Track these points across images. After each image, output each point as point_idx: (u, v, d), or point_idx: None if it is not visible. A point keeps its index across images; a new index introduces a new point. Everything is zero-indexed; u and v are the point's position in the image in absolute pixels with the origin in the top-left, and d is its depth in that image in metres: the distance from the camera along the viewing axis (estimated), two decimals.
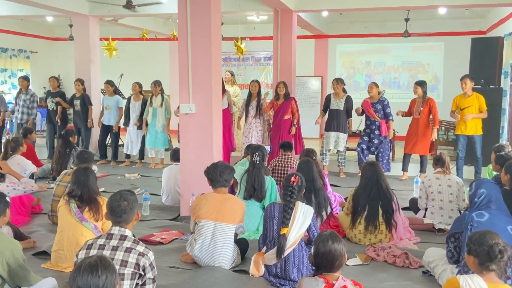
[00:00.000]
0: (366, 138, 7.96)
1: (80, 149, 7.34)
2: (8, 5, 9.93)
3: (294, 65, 9.31)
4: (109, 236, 2.91)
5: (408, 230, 4.86)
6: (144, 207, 5.76)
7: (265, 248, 3.95)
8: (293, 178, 3.94)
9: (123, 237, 2.89)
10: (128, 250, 2.82)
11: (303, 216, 3.86)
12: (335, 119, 8.11)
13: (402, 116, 7.89)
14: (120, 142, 9.78)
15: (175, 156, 6.37)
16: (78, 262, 2.16)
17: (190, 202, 5.40)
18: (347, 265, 4.25)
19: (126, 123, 9.23)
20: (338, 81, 8.14)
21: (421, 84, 7.69)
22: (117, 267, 2.75)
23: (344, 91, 8.24)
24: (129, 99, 9.32)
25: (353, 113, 8.19)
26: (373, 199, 4.70)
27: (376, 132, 7.84)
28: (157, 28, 12.72)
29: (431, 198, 5.27)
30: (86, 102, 9.33)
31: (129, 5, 7.72)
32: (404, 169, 7.95)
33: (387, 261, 4.21)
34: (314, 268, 2.72)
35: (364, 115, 8.11)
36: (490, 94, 7.90)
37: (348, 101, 8.14)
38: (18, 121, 9.25)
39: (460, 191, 5.21)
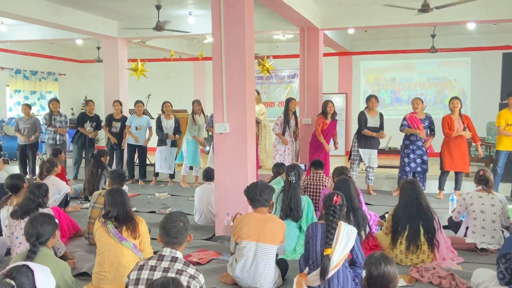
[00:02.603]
0: (412, 156, 7.71)
1: (115, 168, 7.39)
2: (39, 30, 10.18)
3: (321, 83, 9.30)
4: (160, 258, 2.90)
5: (450, 250, 4.73)
6: None
7: (307, 269, 3.88)
8: (335, 197, 3.87)
9: (174, 259, 2.88)
10: (179, 272, 2.80)
11: (346, 236, 3.78)
12: (371, 136, 7.98)
13: (448, 136, 7.55)
14: (147, 162, 9.86)
15: (207, 175, 6.38)
16: (149, 283, 2.15)
17: (226, 222, 5.38)
18: None
19: (159, 143, 9.26)
20: (376, 99, 8.05)
21: (460, 99, 7.56)
22: None
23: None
24: (159, 119, 9.39)
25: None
26: (413, 218, 4.60)
27: (423, 148, 7.68)
28: (182, 49, 12.90)
29: (472, 217, 5.13)
30: (125, 125, 9.42)
31: (159, 28, 7.81)
32: (441, 187, 7.75)
33: (432, 282, 4.10)
34: None
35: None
36: None
37: (382, 117, 8.07)
38: (55, 142, 9.32)
39: (504, 209, 5.07)
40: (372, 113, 8.06)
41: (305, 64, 9.15)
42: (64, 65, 14.43)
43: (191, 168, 9.23)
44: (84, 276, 4.28)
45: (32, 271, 2.18)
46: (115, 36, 10.11)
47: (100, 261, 3.89)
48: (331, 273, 3.68)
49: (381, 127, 8.00)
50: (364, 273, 2.62)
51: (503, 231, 5.11)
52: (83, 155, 9.57)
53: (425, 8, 6.62)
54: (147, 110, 11.07)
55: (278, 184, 5.65)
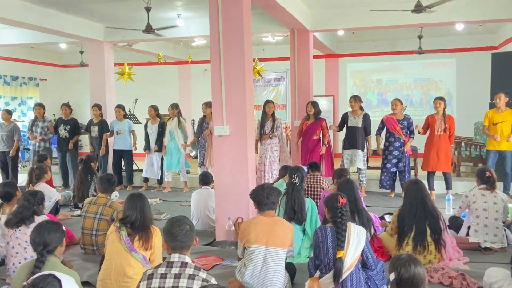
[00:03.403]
0: (390, 157, 7.83)
1: (104, 173, 7.20)
2: (21, 34, 9.92)
3: (311, 85, 9.27)
4: (170, 264, 2.78)
5: (456, 249, 4.70)
6: None
7: (318, 273, 3.79)
8: (341, 199, 3.80)
9: (184, 264, 2.77)
10: (192, 277, 2.70)
11: (357, 237, 3.71)
12: (352, 137, 8.00)
13: (419, 132, 7.71)
14: (134, 167, 9.67)
15: (204, 180, 6.26)
16: None
17: (227, 226, 5.27)
18: None
19: (147, 148, 9.09)
20: (356, 99, 8.06)
21: (444, 99, 7.60)
22: None
23: (361, 108, 8.14)
24: (146, 124, 9.24)
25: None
26: (419, 218, 4.54)
27: (401, 149, 7.74)
28: (167, 52, 12.76)
29: (475, 215, 5.12)
30: (104, 128, 9.20)
31: (149, 29, 7.66)
32: (431, 188, 7.75)
33: (443, 283, 4.05)
34: None
35: (383, 133, 7.99)
36: None
37: (366, 118, 8.05)
38: (36, 149, 9.12)
39: (505, 207, 5.08)
40: (354, 113, 8.08)
41: (295, 66, 9.11)
42: (45, 70, 14.12)
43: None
44: (85, 285, 4.10)
45: (59, 281, 2.04)
46: (101, 39, 9.91)
47: (106, 268, 3.72)
48: (344, 275, 3.60)
49: (365, 128, 8.00)
50: (392, 276, 2.53)
51: (505, 230, 5.11)
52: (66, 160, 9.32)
53: (418, 8, 6.63)
54: (134, 115, 10.89)
55: (280, 187, 5.54)
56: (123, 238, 3.70)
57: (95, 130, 9.24)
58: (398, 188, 8.03)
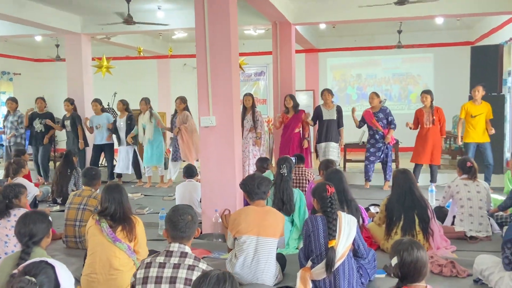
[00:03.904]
0: (372, 150, 7.88)
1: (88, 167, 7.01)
2: None
3: (294, 78, 9.24)
4: (169, 254, 2.70)
5: (443, 238, 4.72)
6: (161, 226, 5.49)
7: (310, 263, 3.75)
8: (329, 188, 3.77)
9: (183, 254, 2.69)
10: (191, 268, 2.63)
11: (348, 226, 3.69)
12: (327, 130, 8.02)
13: (411, 128, 7.77)
14: (115, 162, 9.49)
15: (188, 172, 6.17)
16: (204, 274, 1.96)
17: (214, 218, 5.19)
18: (392, 276, 4.09)
19: (118, 143, 8.94)
20: (329, 92, 8.10)
21: (430, 93, 7.67)
22: (181, 286, 2.58)
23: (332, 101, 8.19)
24: (115, 119, 9.08)
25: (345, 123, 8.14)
26: (408, 207, 4.56)
27: (381, 141, 7.79)
28: (146, 46, 12.52)
29: (459, 205, 5.17)
30: (76, 122, 8.95)
31: (129, 21, 7.49)
32: (415, 180, 7.81)
33: (433, 271, 4.05)
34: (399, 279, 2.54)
35: (365, 126, 8.03)
36: (492, 101, 7.92)
37: (339, 110, 8.10)
38: (8, 144, 8.88)
39: (488, 196, 5.15)
40: (327, 106, 8.11)
41: (277, 59, 9.07)
42: (19, 64, 13.76)
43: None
44: None
45: (52, 267, 1.94)
46: (79, 31, 9.67)
47: (90, 262, 3.61)
48: (336, 264, 3.58)
49: (338, 120, 8.04)
50: (394, 260, 2.51)
51: (489, 218, 5.18)
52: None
53: (401, 0, 6.66)
54: (112, 109, 10.67)
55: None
56: (105, 230, 3.58)
57: (68, 124, 9.00)
58: (379, 181, 8.08)
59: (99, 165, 9.35)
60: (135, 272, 2.71)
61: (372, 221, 5.08)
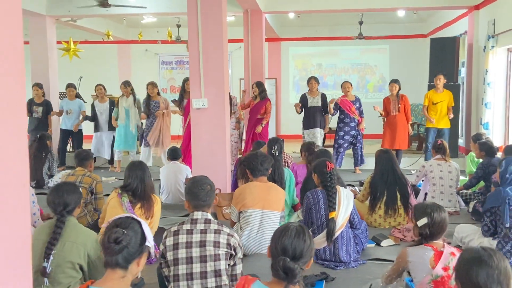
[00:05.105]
0: (347, 137, 8.18)
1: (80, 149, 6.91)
2: None
3: (264, 65, 9.47)
4: (194, 221, 2.90)
5: None
6: None
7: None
8: (329, 164, 4.07)
9: (207, 221, 2.90)
10: (218, 232, 2.85)
11: (346, 199, 4.02)
12: (313, 117, 8.31)
13: (381, 114, 8.19)
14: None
15: (173, 154, 6.27)
16: (284, 227, 2.15)
17: None
18: (381, 246, 4.46)
19: (95, 129, 8.84)
20: (316, 80, 8.39)
21: (398, 82, 8.11)
22: (211, 248, 2.79)
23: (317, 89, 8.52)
24: (93, 104, 8.95)
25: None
26: (390, 184, 4.95)
27: (357, 128, 8.16)
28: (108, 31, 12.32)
29: (432, 183, 5.62)
30: (49, 109, 8.76)
31: (104, 3, 7.44)
32: None
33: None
34: (420, 237, 2.85)
35: (337, 113, 8.39)
36: (449, 90, 8.51)
37: (324, 98, 8.42)
38: None
39: (458, 176, 5.63)
40: (312, 93, 8.42)
41: (249, 47, 9.25)
42: None
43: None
44: None
45: (139, 222, 2.09)
46: (43, 13, 9.42)
47: None
48: (336, 234, 3.89)
49: (323, 106, 8.38)
50: (423, 221, 2.77)
51: (457, 195, 5.68)
52: None
53: None
54: (79, 94, 10.48)
55: None
56: (125, 204, 3.71)
57: (38, 110, 8.71)
58: (348, 165, 8.49)
59: (66, 150, 9.20)
60: (164, 241, 2.87)
61: (355, 197, 5.43)
